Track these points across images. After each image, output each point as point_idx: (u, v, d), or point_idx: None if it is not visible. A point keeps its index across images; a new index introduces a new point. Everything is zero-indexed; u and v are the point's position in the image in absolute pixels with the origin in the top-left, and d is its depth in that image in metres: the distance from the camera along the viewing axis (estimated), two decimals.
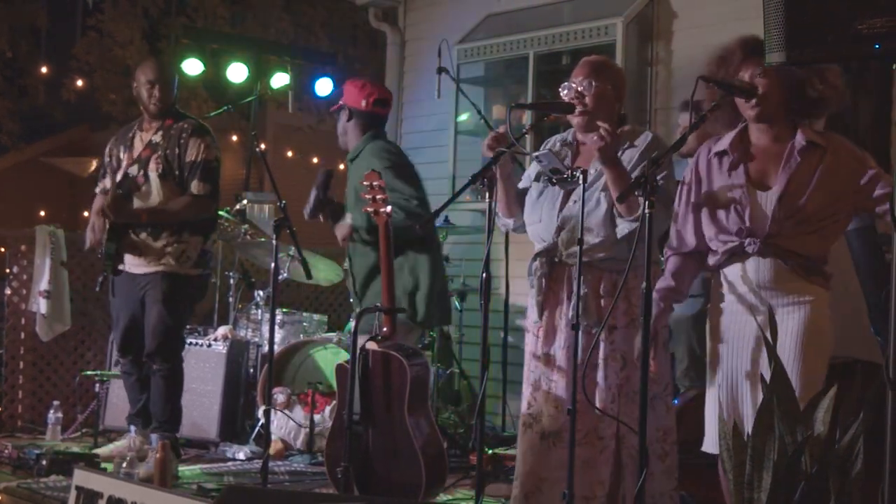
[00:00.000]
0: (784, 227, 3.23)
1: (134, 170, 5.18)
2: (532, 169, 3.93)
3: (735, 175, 3.33)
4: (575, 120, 3.80)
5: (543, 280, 3.75)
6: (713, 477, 3.45)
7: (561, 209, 3.73)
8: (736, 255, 3.30)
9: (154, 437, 5.12)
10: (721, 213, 3.34)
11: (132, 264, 5.18)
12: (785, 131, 3.33)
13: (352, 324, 4.49)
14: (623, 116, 3.84)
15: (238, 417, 6.10)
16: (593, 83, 3.71)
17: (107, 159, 5.37)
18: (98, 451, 5.31)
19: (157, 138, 5.20)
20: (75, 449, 5.40)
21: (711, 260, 3.40)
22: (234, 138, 14.22)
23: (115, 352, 5.91)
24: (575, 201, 3.66)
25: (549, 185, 3.76)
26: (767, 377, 3.01)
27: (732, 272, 3.33)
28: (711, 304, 3.45)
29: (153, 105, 5.21)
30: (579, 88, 3.72)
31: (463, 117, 7.21)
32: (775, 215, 3.22)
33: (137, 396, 5.36)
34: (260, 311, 6.39)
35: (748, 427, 3.01)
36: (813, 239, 3.25)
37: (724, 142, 3.41)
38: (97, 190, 5.38)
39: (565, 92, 3.76)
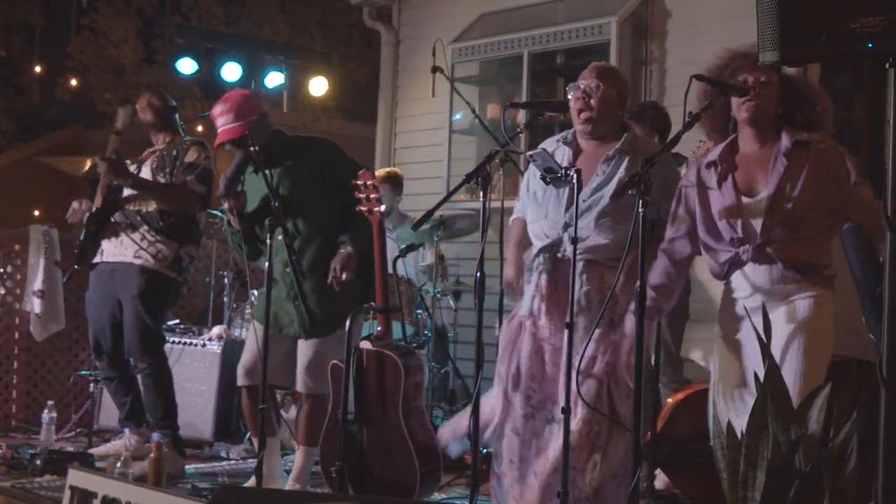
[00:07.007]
0: (774, 233, 3.29)
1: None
2: (530, 174, 3.92)
3: (725, 186, 3.40)
4: (579, 126, 3.81)
5: (544, 276, 3.76)
6: (711, 474, 3.44)
7: (568, 207, 3.71)
8: (735, 264, 3.38)
9: (155, 435, 5.09)
10: (716, 225, 3.42)
11: (109, 253, 5.23)
12: (772, 138, 3.40)
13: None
14: (625, 125, 3.88)
15: (232, 417, 6.08)
16: (601, 86, 3.74)
17: None
18: (93, 450, 5.31)
19: (162, 146, 5.35)
20: (70, 449, 5.40)
21: (716, 271, 3.47)
22: None
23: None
24: (584, 200, 3.68)
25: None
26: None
27: (736, 280, 3.41)
28: (721, 311, 3.51)
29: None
30: (586, 89, 3.75)
31: (457, 116, 7.21)
32: (765, 223, 3.30)
33: (122, 399, 5.36)
34: None
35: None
36: (804, 244, 3.30)
37: (715, 153, 3.48)
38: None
39: (572, 92, 3.79)
